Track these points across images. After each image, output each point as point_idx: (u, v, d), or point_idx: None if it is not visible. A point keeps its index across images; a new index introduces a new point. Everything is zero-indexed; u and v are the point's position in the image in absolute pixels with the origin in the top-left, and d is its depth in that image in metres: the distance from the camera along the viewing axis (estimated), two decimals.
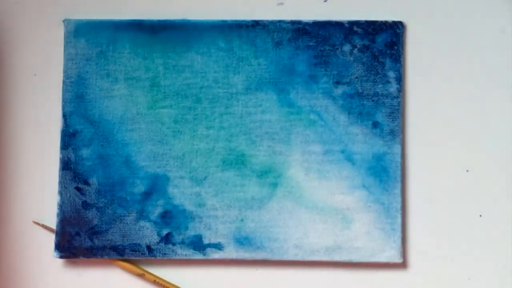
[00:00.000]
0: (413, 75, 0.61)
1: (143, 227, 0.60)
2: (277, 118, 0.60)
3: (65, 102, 0.61)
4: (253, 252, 0.59)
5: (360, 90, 0.60)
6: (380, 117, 0.60)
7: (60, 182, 0.60)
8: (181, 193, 0.60)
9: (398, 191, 0.59)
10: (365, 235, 0.59)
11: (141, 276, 0.60)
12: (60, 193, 0.60)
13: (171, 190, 0.60)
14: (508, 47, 0.61)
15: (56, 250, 0.60)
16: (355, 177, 0.60)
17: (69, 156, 0.60)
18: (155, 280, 0.60)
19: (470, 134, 0.61)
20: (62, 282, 0.61)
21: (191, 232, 0.60)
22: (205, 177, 0.60)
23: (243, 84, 0.61)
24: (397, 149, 0.60)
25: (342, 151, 0.60)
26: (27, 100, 0.62)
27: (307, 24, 0.61)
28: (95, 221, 0.60)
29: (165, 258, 0.60)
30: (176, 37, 0.61)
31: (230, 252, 0.60)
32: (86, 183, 0.60)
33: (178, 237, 0.60)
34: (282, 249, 0.59)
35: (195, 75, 0.61)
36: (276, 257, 0.59)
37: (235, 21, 0.61)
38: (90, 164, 0.60)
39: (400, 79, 0.61)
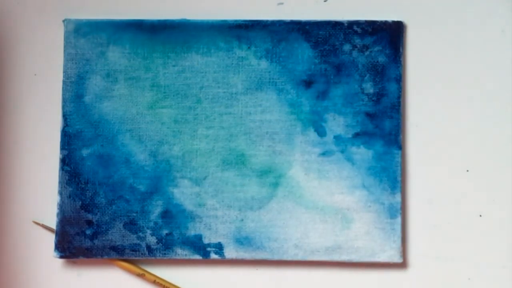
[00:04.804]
0: (413, 75, 0.61)
1: (143, 227, 0.60)
2: (277, 118, 0.60)
3: (65, 102, 0.61)
4: (253, 252, 0.59)
5: (360, 90, 0.60)
6: (380, 117, 0.60)
7: (60, 182, 0.60)
8: (181, 193, 0.60)
9: (398, 191, 0.60)
10: (365, 235, 0.59)
11: (141, 276, 0.60)
12: (60, 193, 0.60)
13: (171, 190, 0.60)
14: (508, 47, 0.61)
15: (56, 250, 0.60)
16: (355, 177, 0.60)
17: (69, 156, 0.60)
18: (155, 280, 0.60)
19: (470, 134, 0.61)
20: (62, 282, 0.61)
21: (191, 232, 0.60)
22: (205, 177, 0.60)
23: (243, 84, 0.61)
24: (397, 149, 0.60)
25: (342, 151, 0.60)
26: (27, 100, 0.62)
27: (307, 24, 0.61)
28: (95, 221, 0.60)
29: (165, 258, 0.60)
30: (176, 37, 0.61)
31: (230, 252, 0.60)
32: (86, 183, 0.60)
33: (178, 237, 0.60)
34: (282, 249, 0.59)
35: (195, 75, 0.61)
36: (276, 257, 0.59)
37: (235, 21, 0.61)
38: (90, 164, 0.60)
39: (400, 79, 0.61)
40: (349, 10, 0.62)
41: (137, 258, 0.60)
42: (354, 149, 0.60)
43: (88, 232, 0.60)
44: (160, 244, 0.60)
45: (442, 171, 0.61)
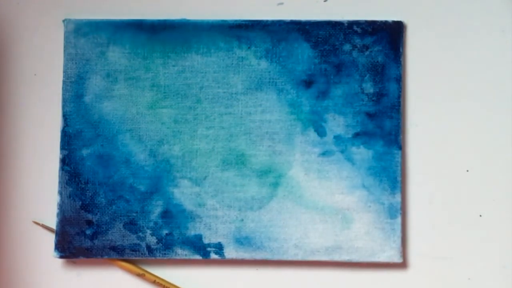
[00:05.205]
0: (413, 75, 0.61)
1: (143, 227, 0.60)
2: (277, 118, 0.60)
3: (65, 102, 0.61)
4: (253, 252, 0.59)
5: (360, 90, 0.60)
6: (380, 117, 0.60)
7: (60, 182, 0.60)
8: (181, 193, 0.60)
9: (398, 191, 0.59)
10: (365, 235, 0.59)
11: (141, 276, 0.60)
12: (60, 193, 0.60)
13: (171, 190, 0.60)
14: (508, 47, 0.61)
15: (56, 250, 0.60)
16: (355, 177, 0.60)
17: (69, 156, 0.60)
18: (155, 280, 0.60)
19: (470, 134, 0.61)
20: (62, 282, 0.61)
21: (191, 232, 0.60)
22: (205, 177, 0.60)
23: (243, 84, 0.61)
24: (397, 149, 0.60)
25: (342, 151, 0.60)
26: (27, 100, 0.62)
27: (307, 24, 0.61)
28: (95, 221, 0.60)
29: (165, 258, 0.60)
30: (176, 37, 0.61)
31: (230, 252, 0.60)
32: (86, 183, 0.60)
33: (178, 237, 0.60)
34: (282, 249, 0.59)
35: (195, 75, 0.61)
36: (276, 257, 0.59)
37: (235, 21, 0.61)
38: (90, 164, 0.60)
39: (400, 79, 0.61)
40: (349, 10, 0.62)
41: (137, 258, 0.60)
42: (354, 149, 0.60)
43: (88, 232, 0.60)
44: (160, 244, 0.60)
45: (442, 171, 0.61)
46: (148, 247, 0.60)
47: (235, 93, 0.61)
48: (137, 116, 0.61)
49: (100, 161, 0.60)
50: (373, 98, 0.60)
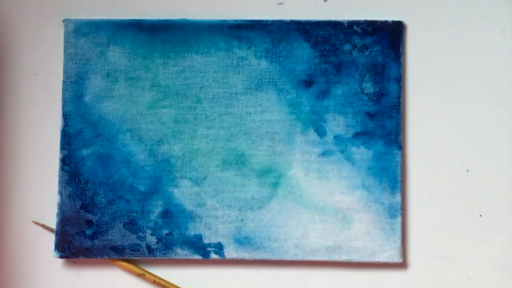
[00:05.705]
0: (413, 75, 0.61)
1: (143, 227, 0.60)
2: (277, 118, 0.60)
3: (65, 102, 0.61)
4: (253, 252, 0.59)
5: (360, 90, 0.60)
6: (380, 117, 0.60)
7: (60, 182, 0.60)
8: (181, 193, 0.60)
9: (398, 191, 0.59)
10: (365, 235, 0.59)
11: (141, 276, 0.60)
12: (60, 193, 0.60)
13: (171, 190, 0.60)
14: (508, 47, 0.61)
15: (56, 250, 0.60)
16: (355, 177, 0.60)
17: (69, 156, 0.60)
18: (155, 280, 0.60)
19: (470, 134, 0.61)
20: (62, 282, 0.61)
21: (191, 232, 0.60)
22: (205, 177, 0.60)
23: (243, 84, 0.61)
24: (397, 149, 0.60)
25: (342, 151, 0.60)
26: (27, 100, 0.62)
27: (307, 24, 0.61)
28: (95, 221, 0.60)
29: (165, 258, 0.60)
30: (176, 37, 0.61)
31: (230, 252, 0.60)
32: (86, 183, 0.60)
33: (178, 237, 0.60)
34: (282, 249, 0.59)
35: (195, 75, 0.61)
36: (276, 257, 0.59)
37: (235, 21, 0.61)
38: (90, 164, 0.60)
39: (400, 79, 0.61)
40: (349, 10, 0.62)
41: (137, 258, 0.60)
42: (354, 149, 0.60)
43: (88, 232, 0.60)
44: (160, 244, 0.60)
45: (442, 171, 0.61)
46: (148, 247, 0.60)
47: (235, 93, 0.61)
48: (137, 116, 0.61)
49: (100, 161, 0.60)
50: (373, 98, 0.60)
